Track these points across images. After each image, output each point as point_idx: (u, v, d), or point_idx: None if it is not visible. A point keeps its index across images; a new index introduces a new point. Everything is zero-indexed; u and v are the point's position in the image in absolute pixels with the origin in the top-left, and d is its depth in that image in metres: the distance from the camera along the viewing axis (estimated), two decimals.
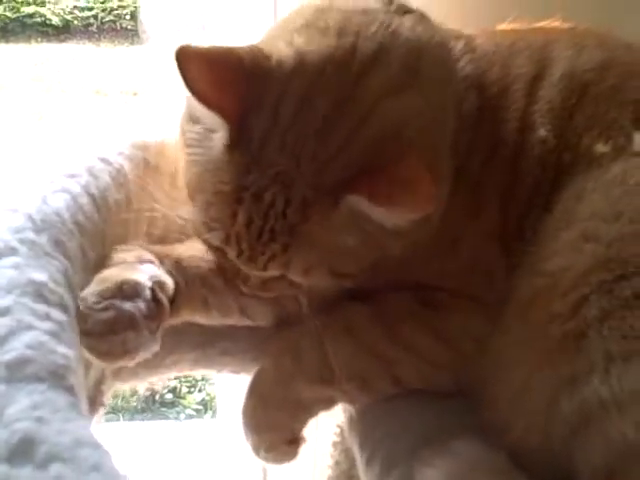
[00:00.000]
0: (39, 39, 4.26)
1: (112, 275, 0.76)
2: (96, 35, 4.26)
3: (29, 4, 4.18)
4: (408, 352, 0.82)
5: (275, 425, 0.87)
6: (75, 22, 4.21)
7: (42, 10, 4.20)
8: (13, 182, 0.79)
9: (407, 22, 0.78)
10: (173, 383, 2.38)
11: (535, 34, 0.87)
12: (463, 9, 0.94)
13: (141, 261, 0.80)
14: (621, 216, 0.69)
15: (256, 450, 0.89)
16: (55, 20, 4.18)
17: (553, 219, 0.75)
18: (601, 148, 0.75)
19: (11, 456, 0.51)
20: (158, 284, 0.79)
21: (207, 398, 2.37)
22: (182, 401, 2.35)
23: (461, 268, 0.81)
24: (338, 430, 0.93)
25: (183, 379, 2.43)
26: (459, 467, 0.69)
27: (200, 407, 2.35)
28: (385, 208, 0.69)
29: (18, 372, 0.58)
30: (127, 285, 0.75)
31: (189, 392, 2.38)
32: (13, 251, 0.69)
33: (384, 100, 0.72)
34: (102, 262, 0.80)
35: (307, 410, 0.87)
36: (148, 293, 0.77)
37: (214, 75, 0.68)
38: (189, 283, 0.86)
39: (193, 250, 0.88)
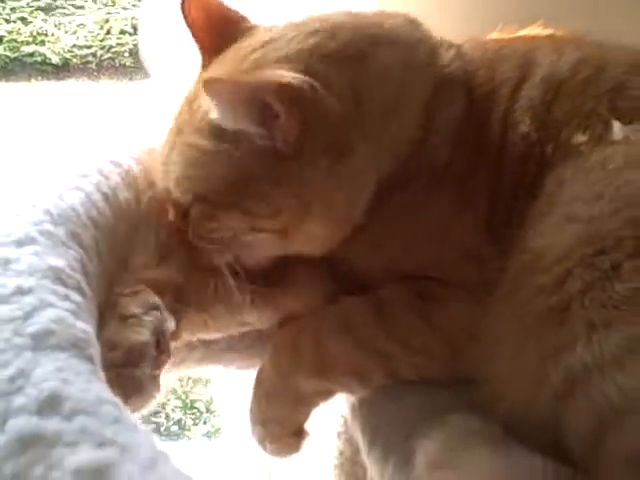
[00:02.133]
0: (39, 77, 4.30)
1: (122, 339, 0.80)
2: (95, 72, 4.31)
3: (29, 43, 4.23)
4: (403, 346, 0.86)
5: (279, 417, 0.92)
6: (74, 60, 4.26)
7: (42, 49, 4.24)
8: (31, 182, 0.84)
9: (388, 22, 0.86)
10: (178, 415, 2.40)
11: (519, 42, 0.93)
12: (453, 18, 0.99)
13: (145, 310, 0.84)
14: (601, 198, 0.74)
15: (262, 442, 0.93)
16: (55, 59, 4.23)
17: (537, 206, 0.80)
18: (580, 138, 0.80)
19: (40, 410, 0.55)
20: (162, 333, 0.84)
21: (212, 429, 2.39)
22: (187, 433, 2.37)
23: (453, 257, 0.86)
24: (342, 421, 0.97)
25: (188, 411, 2.45)
26: (454, 436, 0.73)
27: (205, 439, 2.36)
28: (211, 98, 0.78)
29: (42, 342, 0.62)
30: (135, 351, 0.79)
31: (194, 424, 2.40)
32: (33, 240, 0.74)
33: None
34: (115, 254, 0.85)
35: (307, 402, 0.91)
36: (153, 351, 0.82)
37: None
38: (189, 310, 0.91)
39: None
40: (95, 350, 0.67)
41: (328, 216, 0.85)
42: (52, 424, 0.55)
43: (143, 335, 0.81)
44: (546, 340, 0.71)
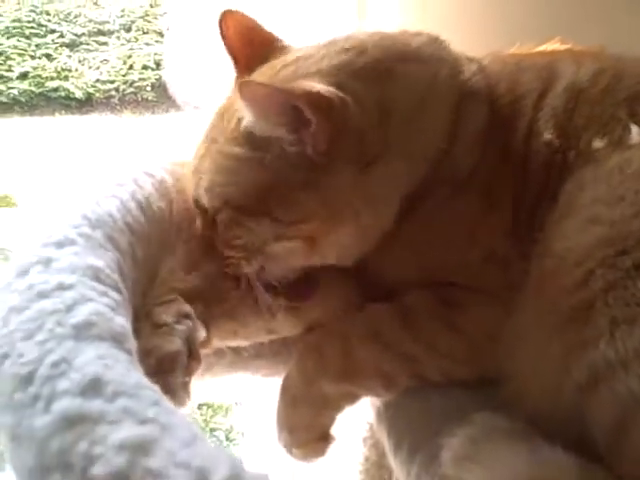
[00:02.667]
0: (63, 112, 4.36)
1: (155, 347, 0.82)
2: (118, 107, 4.38)
3: (53, 79, 4.31)
4: (429, 349, 0.88)
5: (305, 422, 0.94)
6: (97, 95, 4.33)
7: (66, 84, 4.32)
8: (72, 191, 0.87)
9: (413, 40, 0.90)
10: None
11: (538, 55, 0.97)
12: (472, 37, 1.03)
13: (178, 319, 0.87)
14: (622, 200, 0.76)
15: (288, 448, 0.95)
16: (78, 94, 4.30)
17: (558, 209, 0.82)
18: (598, 143, 0.83)
19: (83, 392, 0.58)
20: (193, 341, 0.87)
21: None
22: None
23: (478, 261, 0.88)
24: (367, 427, 0.98)
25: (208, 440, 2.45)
26: (479, 432, 0.75)
27: None
28: (246, 104, 0.81)
29: (84, 332, 0.65)
30: (168, 359, 0.82)
31: None
32: (72, 242, 0.77)
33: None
34: (149, 260, 0.87)
35: (333, 406, 0.93)
36: (185, 359, 0.84)
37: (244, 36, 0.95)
38: (219, 319, 0.94)
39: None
40: (132, 345, 0.70)
41: (355, 225, 0.87)
42: (95, 405, 0.57)
43: (175, 344, 0.83)
44: (570, 338, 0.73)
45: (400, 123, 0.87)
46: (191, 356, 0.85)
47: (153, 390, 0.61)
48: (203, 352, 0.92)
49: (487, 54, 0.96)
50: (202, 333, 0.90)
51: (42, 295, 0.69)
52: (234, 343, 0.98)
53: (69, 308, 0.67)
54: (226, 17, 0.95)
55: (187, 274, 0.96)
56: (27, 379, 0.61)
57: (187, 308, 0.89)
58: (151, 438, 0.54)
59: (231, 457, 0.54)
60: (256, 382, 1.06)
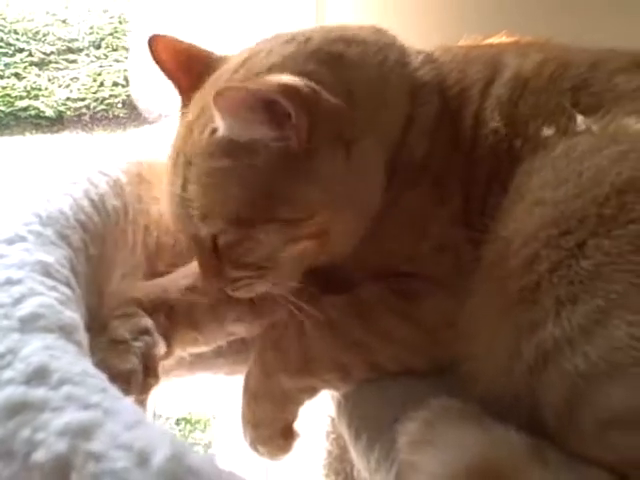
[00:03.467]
0: (33, 131, 4.33)
1: (109, 366, 0.80)
2: (89, 124, 4.36)
3: (23, 98, 4.27)
4: (384, 340, 0.89)
5: (267, 418, 0.94)
6: (68, 113, 4.31)
7: (36, 103, 4.29)
8: (24, 190, 0.87)
9: (354, 29, 0.93)
10: None
11: (486, 47, 0.98)
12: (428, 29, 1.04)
13: (135, 336, 0.86)
14: (566, 182, 0.77)
15: (253, 445, 0.96)
16: (49, 112, 4.27)
17: (508, 195, 0.83)
18: (547, 131, 0.84)
19: (28, 381, 0.58)
20: (151, 358, 0.87)
21: None
22: None
23: (429, 251, 0.89)
24: (329, 420, 0.98)
25: None
26: (433, 415, 0.75)
27: None
28: (220, 112, 0.79)
29: (30, 324, 0.65)
30: (122, 378, 0.80)
31: None
32: (23, 239, 0.77)
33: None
34: (104, 259, 0.87)
35: (293, 400, 0.94)
36: (140, 378, 0.83)
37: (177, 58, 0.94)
38: (181, 330, 0.94)
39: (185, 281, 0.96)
40: (82, 337, 0.70)
41: (354, 207, 0.88)
42: (39, 392, 0.57)
43: (130, 362, 0.83)
44: (519, 319, 0.74)
45: (365, 104, 0.88)
46: (148, 373, 0.85)
47: (100, 378, 0.61)
48: (164, 362, 0.91)
49: (436, 47, 0.97)
50: (161, 348, 0.90)
51: None
52: (195, 350, 0.98)
53: (16, 301, 0.67)
54: (155, 42, 0.94)
55: (147, 279, 0.96)
56: None
57: (146, 323, 0.89)
58: (93, 422, 0.54)
59: (174, 439, 0.54)
60: (232, 394, 1.06)
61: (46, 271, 0.73)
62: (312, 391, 0.93)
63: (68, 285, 0.75)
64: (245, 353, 0.99)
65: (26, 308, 0.66)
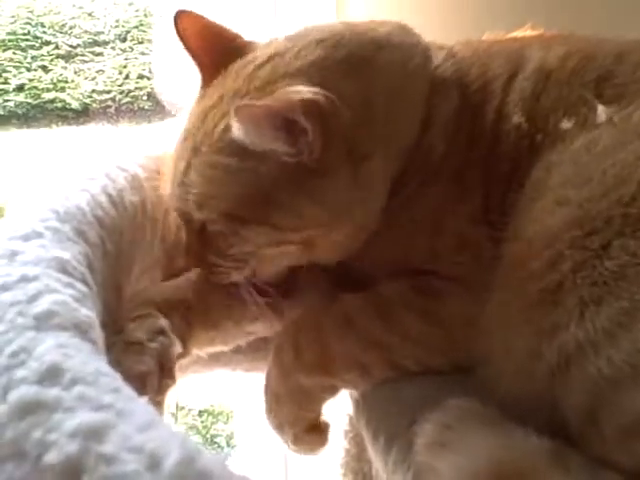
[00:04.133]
0: (59, 123, 4.36)
1: (124, 369, 0.80)
2: (115, 116, 4.38)
3: (49, 90, 4.30)
4: (404, 339, 0.87)
5: (290, 418, 0.94)
6: (94, 105, 4.33)
7: (62, 95, 4.32)
8: (42, 186, 0.87)
9: (381, 27, 0.89)
10: None
11: (509, 41, 0.97)
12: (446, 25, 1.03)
13: (151, 336, 0.87)
14: (590, 180, 0.75)
15: (286, 444, 0.95)
16: (75, 104, 4.30)
17: (526, 192, 0.81)
18: (566, 124, 0.82)
19: (41, 380, 0.57)
20: (167, 358, 0.87)
21: (232, 464, 2.38)
22: None
23: (449, 248, 0.88)
24: (347, 419, 0.98)
25: (209, 446, 2.45)
26: (450, 418, 0.74)
27: None
28: (240, 125, 0.79)
29: (45, 322, 0.65)
30: (137, 380, 0.80)
31: None
32: (39, 235, 0.77)
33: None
34: (122, 255, 0.87)
35: (313, 399, 0.93)
36: (155, 380, 0.84)
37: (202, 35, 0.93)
38: (197, 329, 0.94)
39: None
40: (98, 335, 0.69)
41: (352, 222, 0.87)
42: (52, 392, 0.56)
43: (146, 364, 0.83)
44: (540, 321, 0.73)
45: (381, 113, 0.87)
46: (164, 374, 0.85)
47: (114, 378, 0.61)
48: (181, 362, 0.91)
49: (457, 41, 0.96)
50: (177, 348, 0.90)
51: (4, 288, 0.68)
52: (213, 349, 0.98)
53: (31, 299, 0.67)
54: (181, 18, 0.92)
55: (165, 276, 0.96)
56: None
57: (162, 323, 0.89)
58: (105, 424, 0.53)
59: (186, 441, 0.53)
60: (254, 386, 1.06)
61: (62, 268, 0.73)
62: (332, 389, 0.92)
63: (84, 282, 0.75)
64: (264, 350, 0.98)
65: (41, 305, 0.66)
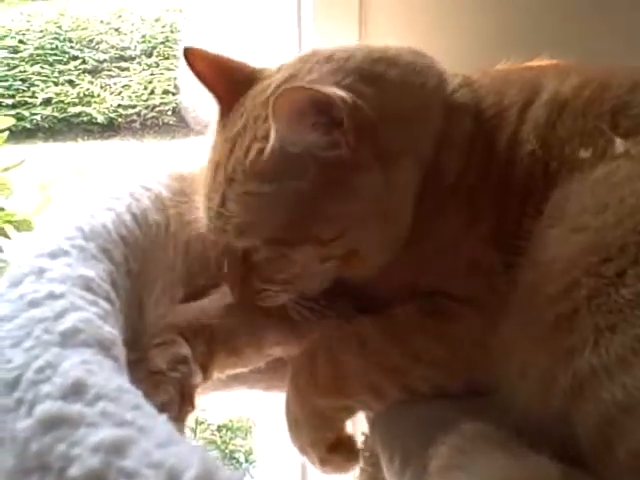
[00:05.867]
0: (85, 137, 4.42)
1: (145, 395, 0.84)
2: (140, 131, 4.43)
3: (75, 105, 4.36)
4: (417, 362, 0.88)
5: (310, 440, 0.95)
6: (119, 120, 4.38)
7: (88, 109, 4.37)
8: (69, 205, 0.89)
9: (393, 49, 0.93)
10: None
11: (525, 70, 0.98)
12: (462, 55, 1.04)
13: (173, 366, 0.88)
14: (606, 208, 0.76)
15: (314, 466, 0.97)
16: (100, 118, 4.36)
17: (544, 219, 0.82)
18: (583, 153, 0.83)
19: (65, 395, 0.59)
20: (188, 386, 0.88)
21: None
22: None
23: (462, 270, 0.89)
24: (363, 438, 0.99)
25: (227, 462, 2.46)
26: (465, 441, 0.75)
27: None
28: (278, 116, 0.79)
29: (70, 339, 0.67)
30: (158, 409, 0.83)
31: None
32: (66, 253, 0.79)
33: None
34: (144, 273, 0.89)
35: (330, 420, 0.94)
36: (176, 408, 0.85)
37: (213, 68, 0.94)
38: (220, 355, 0.95)
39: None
40: (121, 352, 0.71)
41: (384, 229, 0.88)
42: (75, 408, 0.58)
43: (167, 393, 0.85)
44: (556, 346, 0.73)
45: (399, 125, 0.88)
46: (185, 402, 0.87)
47: (135, 394, 0.62)
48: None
49: (475, 70, 0.97)
50: (198, 377, 0.91)
51: (33, 304, 0.70)
52: (233, 372, 0.99)
53: (57, 316, 0.68)
54: (192, 54, 0.93)
55: (186, 294, 0.97)
56: (13, 384, 0.62)
57: (184, 352, 0.90)
58: (127, 440, 0.55)
59: (206, 457, 0.54)
60: (273, 401, 1.07)
61: (87, 286, 0.75)
62: (348, 410, 0.94)
63: (108, 299, 0.76)
64: (282, 371, 0.99)
65: (67, 323, 0.68)
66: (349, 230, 0.85)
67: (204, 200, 0.90)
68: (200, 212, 0.92)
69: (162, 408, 0.76)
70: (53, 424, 0.57)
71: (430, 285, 0.90)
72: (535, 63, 0.98)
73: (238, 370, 0.99)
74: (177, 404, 0.84)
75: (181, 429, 0.84)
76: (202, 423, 2.55)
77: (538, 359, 0.75)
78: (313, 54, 0.92)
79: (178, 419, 0.84)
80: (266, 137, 0.83)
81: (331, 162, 0.83)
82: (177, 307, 0.97)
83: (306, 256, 0.86)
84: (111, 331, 0.71)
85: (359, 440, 0.98)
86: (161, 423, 0.60)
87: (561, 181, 0.83)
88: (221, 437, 2.58)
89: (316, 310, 0.93)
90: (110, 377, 0.63)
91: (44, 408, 0.58)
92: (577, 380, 0.70)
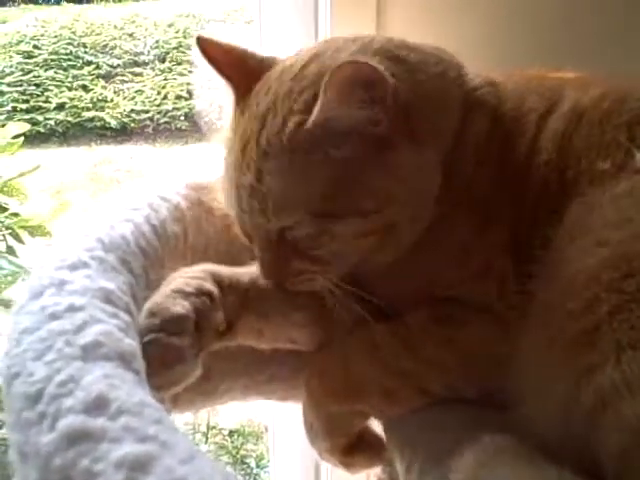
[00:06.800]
0: (98, 142, 4.43)
1: (161, 309, 0.83)
2: (152, 136, 4.44)
3: (89, 109, 4.37)
4: (430, 366, 0.88)
5: (325, 445, 0.95)
6: (132, 124, 4.39)
7: (101, 114, 4.39)
8: (88, 216, 0.90)
9: (416, 43, 0.93)
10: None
11: (548, 78, 0.97)
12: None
13: (195, 292, 0.87)
14: (629, 222, 0.76)
15: (340, 469, 0.98)
16: (113, 123, 4.37)
17: (565, 230, 0.81)
18: (602, 165, 0.83)
19: (87, 410, 0.60)
20: (206, 318, 0.87)
21: None
22: None
23: (473, 276, 0.88)
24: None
25: (238, 467, 2.47)
26: (486, 454, 0.74)
27: None
28: (324, 90, 0.78)
29: (92, 353, 0.67)
30: (173, 321, 0.82)
31: None
32: (86, 265, 0.79)
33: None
34: (160, 284, 0.89)
35: (343, 425, 0.94)
36: (192, 326, 0.84)
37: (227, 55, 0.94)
38: (249, 316, 0.94)
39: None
40: (141, 365, 0.71)
41: (419, 205, 0.87)
42: (98, 422, 0.59)
43: (184, 308, 0.83)
44: (577, 362, 0.73)
45: (425, 110, 0.88)
46: (200, 331, 0.85)
47: (157, 408, 0.63)
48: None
49: (498, 72, 0.97)
50: (219, 317, 0.89)
51: (53, 316, 0.71)
52: (255, 344, 0.98)
53: (78, 329, 0.69)
54: (205, 43, 0.93)
55: None
56: (35, 398, 0.62)
57: (211, 288, 0.89)
58: (150, 456, 0.55)
59: (228, 474, 0.54)
60: (284, 407, 1.07)
61: (107, 298, 0.75)
62: (361, 415, 0.94)
63: (128, 311, 0.77)
64: (297, 379, 0.99)
65: (88, 336, 0.68)
66: (388, 203, 0.85)
67: (230, 188, 0.90)
68: (226, 207, 0.92)
69: (178, 321, 0.80)
70: (76, 439, 0.57)
71: (442, 291, 0.89)
72: (560, 73, 0.98)
73: (260, 344, 0.98)
74: (192, 324, 0.83)
75: (198, 358, 0.83)
76: (214, 428, 2.56)
77: (560, 375, 0.74)
78: (333, 39, 0.94)
79: (194, 341, 0.82)
80: (305, 110, 0.82)
81: (370, 137, 0.82)
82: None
83: (348, 229, 0.84)
84: (132, 343, 0.71)
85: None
86: (182, 438, 0.60)
87: (580, 192, 0.83)
88: (232, 442, 2.58)
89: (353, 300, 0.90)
90: (132, 391, 0.63)
91: (67, 422, 0.59)
92: (599, 398, 0.70)
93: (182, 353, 0.81)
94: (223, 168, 0.93)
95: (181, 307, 0.83)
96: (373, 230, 0.86)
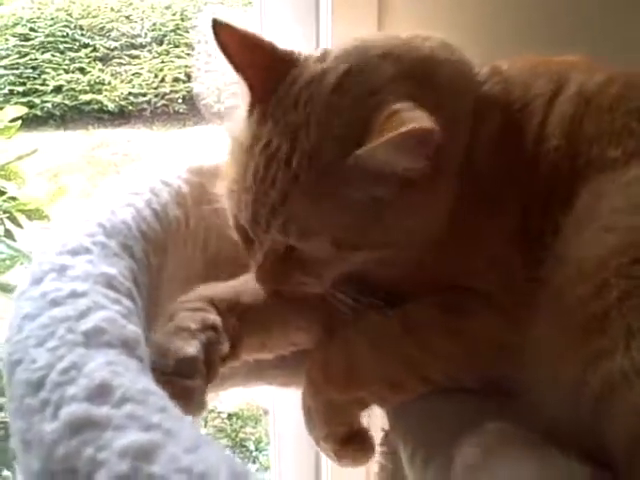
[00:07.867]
0: (96, 125, 4.42)
1: (175, 349, 0.82)
2: (150, 119, 4.42)
3: (86, 92, 4.35)
4: (434, 355, 0.87)
5: (323, 433, 0.95)
6: (130, 107, 4.37)
7: (99, 97, 4.36)
8: (88, 201, 0.89)
9: (427, 43, 0.90)
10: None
11: (553, 63, 0.96)
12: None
13: (201, 328, 0.86)
14: (638, 208, 0.76)
15: (330, 458, 0.97)
16: (111, 106, 4.35)
17: (575, 217, 0.81)
18: (613, 152, 0.82)
19: (91, 398, 0.59)
20: (214, 352, 0.86)
21: (261, 467, 2.40)
22: None
23: (481, 264, 0.87)
24: (383, 434, 0.98)
25: (238, 450, 2.47)
26: (491, 441, 0.74)
27: None
28: (385, 141, 0.75)
29: (94, 339, 0.66)
30: (187, 362, 0.81)
31: (244, 462, 2.42)
32: (87, 250, 0.78)
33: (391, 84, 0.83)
34: (164, 269, 0.88)
35: (342, 413, 0.94)
36: (203, 366, 0.83)
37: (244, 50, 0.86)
38: (251, 333, 0.94)
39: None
40: (144, 352, 0.71)
41: (425, 233, 0.86)
42: (102, 410, 0.58)
43: (195, 348, 0.83)
44: (586, 348, 0.72)
45: (449, 131, 0.86)
46: (208, 366, 0.85)
47: (160, 396, 0.62)
48: (229, 365, 0.92)
49: (504, 60, 0.96)
50: (225, 348, 0.89)
51: (55, 303, 0.69)
52: (260, 356, 0.98)
53: (80, 315, 0.68)
54: (222, 30, 0.85)
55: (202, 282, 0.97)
56: (38, 385, 0.61)
57: (214, 319, 0.89)
58: (155, 444, 0.54)
59: (235, 463, 0.54)
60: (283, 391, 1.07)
61: (109, 283, 0.74)
62: (361, 403, 0.93)
63: (130, 297, 0.76)
64: (300, 366, 0.99)
65: (90, 322, 0.67)
66: (403, 237, 0.84)
67: (243, 195, 0.86)
68: (229, 208, 0.90)
69: (191, 363, 0.79)
70: (80, 427, 0.57)
71: (450, 279, 0.88)
72: (565, 58, 0.97)
73: (264, 355, 0.98)
74: (202, 363, 0.82)
75: (205, 394, 0.82)
76: (212, 411, 2.56)
77: (569, 362, 0.74)
78: (362, 45, 0.89)
79: (205, 381, 0.82)
80: (346, 138, 0.79)
81: (406, 182, 0.81)
82: (205, 284, 0.95)
83: (362, 258, 0.85)
84: (135, 330, 0.70)
85: (377, 436, 0.98)
86: (187, 426, 0.59)
87: (591, 178, 0.82)
88: (231, 425, 2.58)
89: (356, 300, 0.91)
90: (135, 378, 0.62)
91: (70, 410, 0.58)
92: (608, 384, 0.69)
93: (192, 394, 0.80)
94: (232, 169, 0.89)
95: (191, 347, 0.83)
96: (382, 258, 0.85)
